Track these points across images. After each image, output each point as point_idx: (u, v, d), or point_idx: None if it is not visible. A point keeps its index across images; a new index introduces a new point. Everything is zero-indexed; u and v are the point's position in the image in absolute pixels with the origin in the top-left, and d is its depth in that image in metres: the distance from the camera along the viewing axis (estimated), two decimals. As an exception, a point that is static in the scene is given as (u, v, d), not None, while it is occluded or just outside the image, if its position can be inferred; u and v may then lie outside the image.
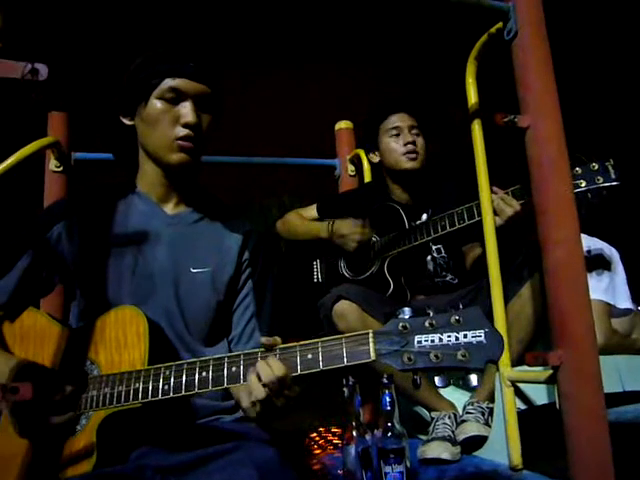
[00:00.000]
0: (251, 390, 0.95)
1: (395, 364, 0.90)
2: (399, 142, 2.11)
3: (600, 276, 1.95)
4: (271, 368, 0.94)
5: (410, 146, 2.09)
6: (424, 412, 1.85)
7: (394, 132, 2.13)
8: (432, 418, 1.75)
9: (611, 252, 2.02)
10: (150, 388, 1.00)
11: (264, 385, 0.94)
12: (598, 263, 1.97)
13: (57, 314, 1.83)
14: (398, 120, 2.14)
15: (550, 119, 1.32)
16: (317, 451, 1.85)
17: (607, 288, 1.93)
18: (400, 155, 2.10)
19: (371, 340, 0.93)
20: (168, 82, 1.17)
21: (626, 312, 2.00)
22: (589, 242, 2.02)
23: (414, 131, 2.13)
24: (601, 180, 1.62)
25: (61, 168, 2.15)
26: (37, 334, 1.17)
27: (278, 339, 0.98)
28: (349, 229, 2.05)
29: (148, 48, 1.26)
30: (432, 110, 2.20)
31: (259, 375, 0.94)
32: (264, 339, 0.98)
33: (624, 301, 1.98)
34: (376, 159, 2.21)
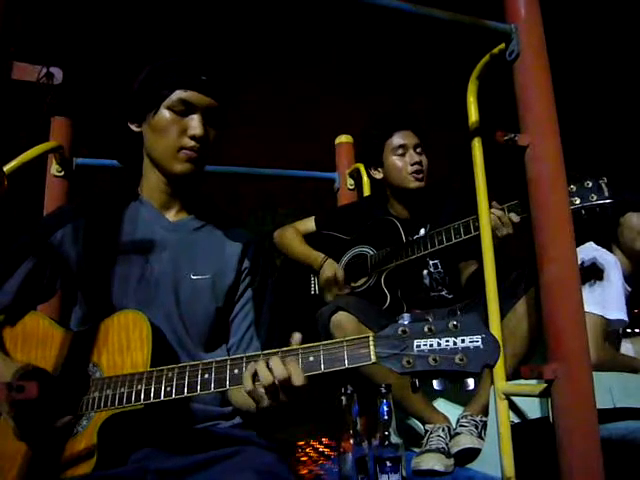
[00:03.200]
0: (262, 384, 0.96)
1: (395, 367, 0.92)
2: (405, 161, 2.11)
3: (592, 287, 1.93)
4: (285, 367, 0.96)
5: (417, 166, 2.09)
6: (418, 425, 1.87)
7: (400, 151, 2.12)
8: (426, 430, 1.76)
9: (605, 259, 2.00)
10: (152, 390, 1.01)
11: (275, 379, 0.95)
12: (591, 273, 1.96)
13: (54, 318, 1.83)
14: (403, 138, 2.13)
15: (549, 139, 1.35)
16: (309, 462, 1.85)
17: (598, 299, 1.90)
18: (407, 174, 2.10)
19: (371, 343, 0.94)
20: (179, 94, 1.20)
21: (617, 323, 1.95)
22: (582, 253, 2.01)
23: (418, 149, 2.13)
24: (595, 198, 1.64)
25: (62, 173, 2.16)
26: (39, 337, 1.18)
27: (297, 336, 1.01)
28: (329, 280, 2.08)
29: (154, 56, 1.29)
30: (432, 127, 2.22)
31: (271, 369, 0.96)
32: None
33: (615, 311, 1.91)
34: (379, 175, 2.20)
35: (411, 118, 2.19)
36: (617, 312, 1.90)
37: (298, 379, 0.94)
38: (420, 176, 2.11)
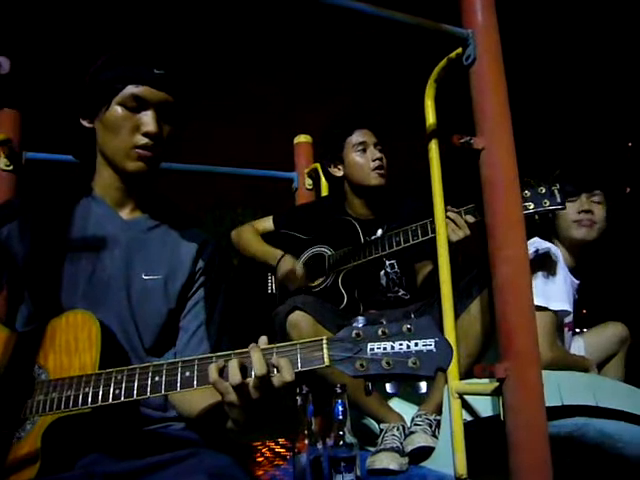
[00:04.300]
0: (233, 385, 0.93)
1: (348, 370, 0.91)
2: (367, 158, 2.13)
3: (537, 279, 1.94)
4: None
5: (378, 162, 2.12)
6: (373, 424, 1.87)
7: (360, 147, 2.15)
8: (381, 430, 1.77)
9: (549, 252, 2.03)
10: (100, 393, 0.98)
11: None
12: (536, 266, 1.99)
13: None
14: (364, 136, 2.16)
15: (503, 142, 1.38)
16: (265, 462, 1.84)
17: (543, 290, 1.91)
18: (369, 171, 2.12)
19: (325, 346, 0.94)
20: (131, 89, 1.16)
21: (561, 314, 1.97)
22: (539, 245, 2.06)
23: (378, 147, 2.16)
24: (548, 203, 1.70)
25: (11, 167, 2.10)
26: (-19, 336, 1.13)
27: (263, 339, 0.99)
28: (287, 274, 2.10)
29: (108, 47, 1.24)
30: (390, 128, 2.24)
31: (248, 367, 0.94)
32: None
33: (558, 302, 1.92)
34: (339, 173, 2.22)
35: (371, 118, 2.22)
36: (560, 303, 1.93)
37: (289, 374, 0.93)
38: (382, 172, 2.13)
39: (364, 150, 2.15)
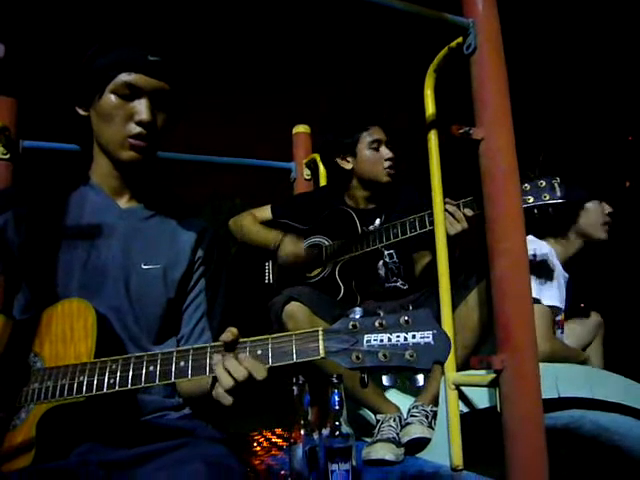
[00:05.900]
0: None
1: (344, 362, 0.91)
2: (380, 155, 2.15)
3: (540, 277, 1.99)
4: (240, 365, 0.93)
5: (390, 162, 2.14)
6: (369, 415, 1.88)
7: (375, 145, 2.16)
8: (377, 420, 1.77)
9: (543, 250, 2.09)
10: (95, 382, 0.97)
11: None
12: (535, 265, 2.01)
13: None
14: (378, 133, 2.17)
15: (503, 133, 1.37)
16: (261, 452, 1.84)
17: (537, 285, 1.95)
18: (382, 169, 2.14)
19: (321, 338, 0.93)
20: (124, 77, 1.14)
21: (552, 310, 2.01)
22: (534, 245, 2.08)
23: (390, 145, 2.17)
24: (547, 197, 1.69)
25: (8, 155, 2.08)
26: (-23, 325, 1.12)
27: (234, 330, 0.97)
28: (290, 252, 2.13)
29: (104, 33, 1.22)
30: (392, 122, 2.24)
31: (228, 370, 0.93)
32: (223, 336, 0.97)
33: (551, 298, 1.97)
34: (348, 166, 2.20)
35: (382, 115, 2.23)
36: (551, 300, 1.97)
37: (260, 374, 0.92)
38: (393, 172, 2.15)
39: (377, 148, 2.16)
